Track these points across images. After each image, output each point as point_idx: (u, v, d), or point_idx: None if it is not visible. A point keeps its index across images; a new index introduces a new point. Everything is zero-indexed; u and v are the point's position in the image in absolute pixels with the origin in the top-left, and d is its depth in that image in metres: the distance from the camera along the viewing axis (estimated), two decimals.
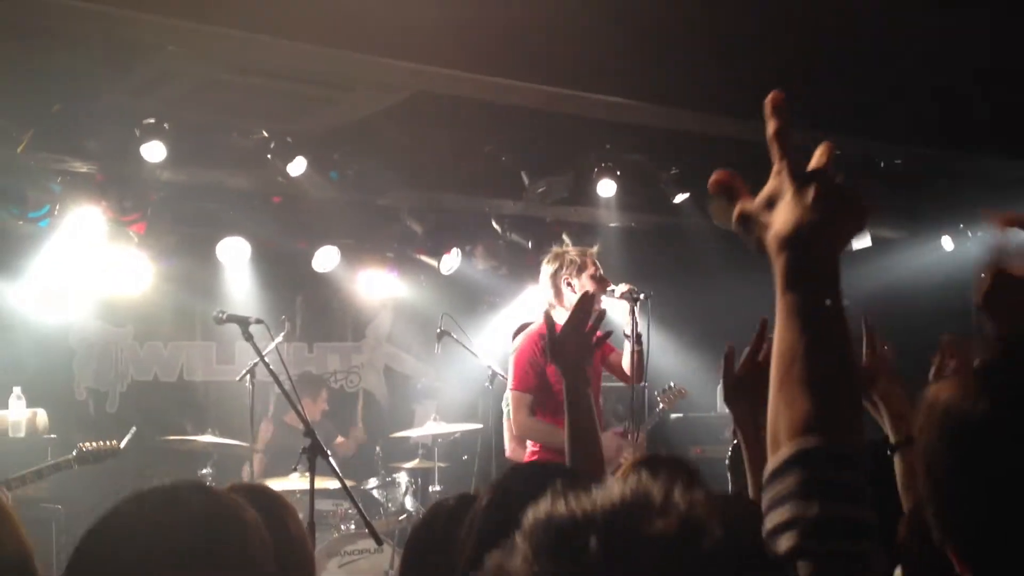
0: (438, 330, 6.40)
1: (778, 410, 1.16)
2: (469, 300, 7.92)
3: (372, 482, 6.81)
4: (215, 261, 6.64)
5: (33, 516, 5.21)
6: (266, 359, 4.89)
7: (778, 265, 1.21)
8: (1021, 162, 6.59)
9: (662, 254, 7.86)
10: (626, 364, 5.17)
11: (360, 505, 4.68)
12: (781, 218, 1.22)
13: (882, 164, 6.81)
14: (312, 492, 4.58)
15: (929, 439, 1.20)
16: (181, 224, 6.50)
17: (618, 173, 6.66)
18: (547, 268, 5.24)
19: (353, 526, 6.27)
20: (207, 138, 5.91)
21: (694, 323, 7.53)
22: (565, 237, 7.51)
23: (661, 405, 6.56)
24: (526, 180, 6.69)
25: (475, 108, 5.63)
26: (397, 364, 8.80)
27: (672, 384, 6.67)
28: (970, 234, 7.79)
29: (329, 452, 4.56)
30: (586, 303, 2.53)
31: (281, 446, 6.47)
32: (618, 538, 0.82)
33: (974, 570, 1.16)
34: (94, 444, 5.28)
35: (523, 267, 7.70)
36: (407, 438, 7.06)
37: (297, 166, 5.98)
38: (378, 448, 7.09)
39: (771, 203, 1.24)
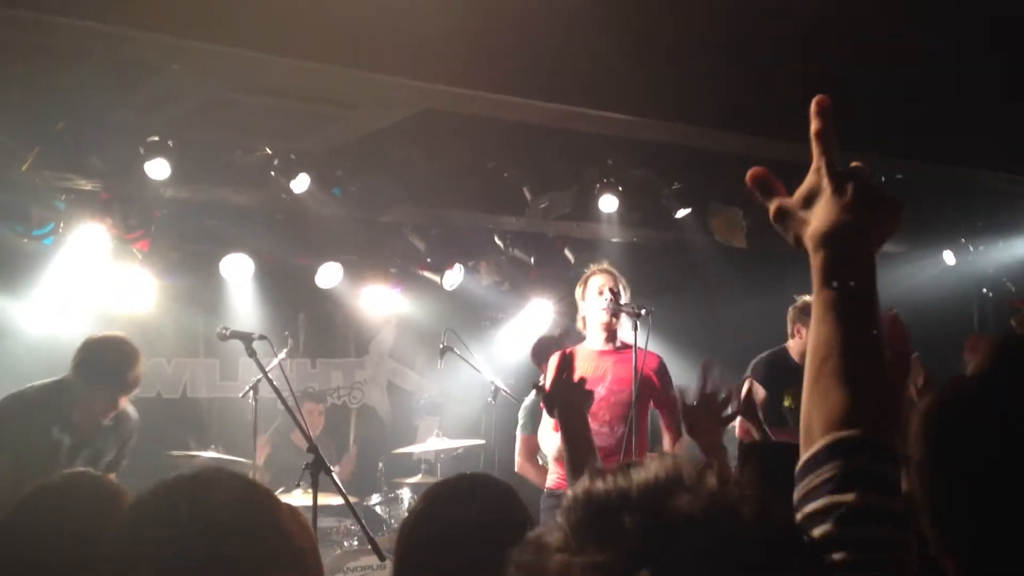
0: (441, 346, 6.41)
1: (812, 404, 1.18)
2: (472, 316, 7.93)
3: (375, 498, 6.81)
4: (219, 278, 6.66)
5: None
6: (269, 375, 4.90)
7: (816, 261, 1.24)
8: (1022, 177, 6.61)
9: (664, 269, 7.87)
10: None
11: (363, 521, 4.68)
12: (820, 215, 1.25)
13: (883, 178, 6.82)
14: (315, 508, 4.58)
15: (921, 447, 1.22)
16: (185, 241, 6.52)
17: (620, 189, 6.69)
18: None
19: (356, 542, 6.26)
20: (211, 156, 5.94)
21: (696, 338, 7.53)
22: (568, 253, 7.57)
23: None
24: (528, 196, 6.71)
25: (478, 125, 5.65)
26: (400, 380, 8.80)
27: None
28: (971, 248, 7.81)
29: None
30: (562, 360, 2.66)
31: (284, 463, 6.47)
32: (651, 515, 0.84)
33: (963, 560, 1.17)
34: None
35: (526, 283, 7.72)
36: (410, 454, 7.06)
37: (300, 183, 6.01)
38: (381, 464, 7.08)
39: (809, 200, 1.27)
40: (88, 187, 5.94)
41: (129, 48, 4.16)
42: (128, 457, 4.94)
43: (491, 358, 7.18)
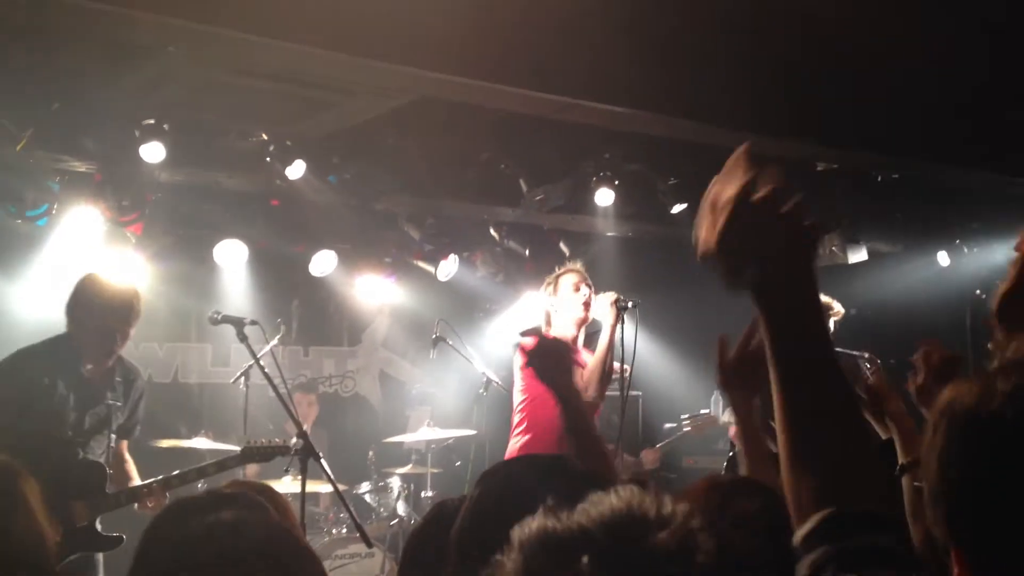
0: (434, 336, 6.41)
1: (796, 479, 1.15)
2: (466, 307, 7.92)
3: (364, 486, 6.81)
4: (212, 263, 6.63)
5: None
6: (261, 362, 4.89)
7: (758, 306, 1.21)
8: (1018, 179, 6.61)
9: (659, 264, 7.86)
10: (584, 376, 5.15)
11: (352, 509, 4.68)
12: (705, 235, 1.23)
13: (879, 178, 6.83)
14: (303, 495, 4.58)
15: (945, 439, 1.19)
16: (178, 225, 6.49)
17: (616, 182, 6.68)
18: (541, 292, 5.34)
19: (345, 530, 6.26)
20: (206, 139, 5.92)
21: (690, 333, 7.53)
22: (563, 245, 7.56)
23: (687, 429, 6.57)
24: (524, 187, 6.70)
25: (475, 115, 5.64)
26: (392, 369, 8.80)
27: (703, 411, 6.67)
28: (966, 249, 7.81)
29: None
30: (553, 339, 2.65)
31: None
32: (611, 553, 0.82)
33: (979, 570, 1.16)
34: (265, 440, 5.10)
35: (520, 274, 7.71)
36: (400, 443, 7.06)
37: (296, 169, 5.99)
38: (371, 453, 7.08)
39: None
40: (82, 169, 5.91)
41: (124, 29, 4.14)
42: (141, 423, 4.94)
43: (484, 350, 7.17)
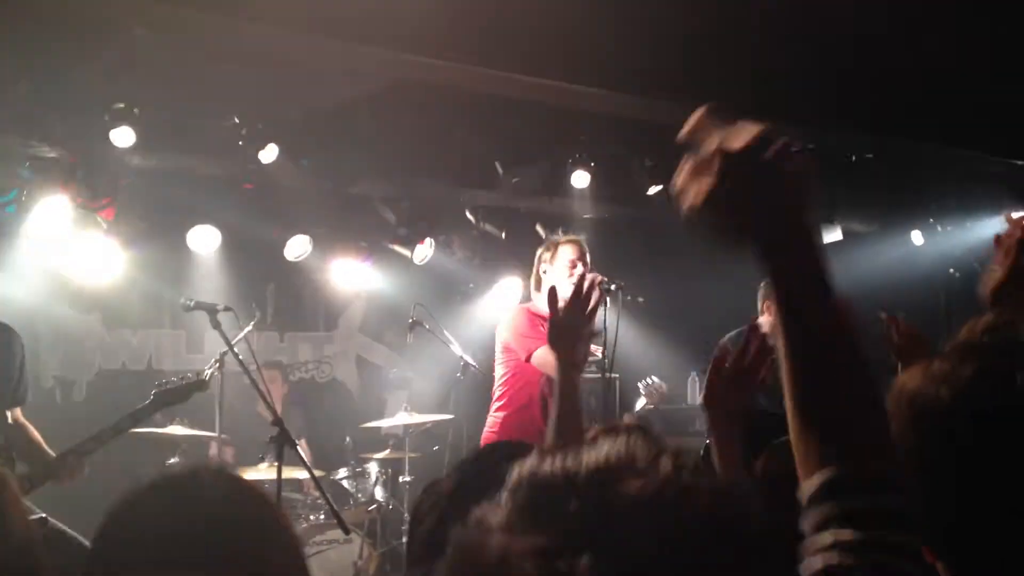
0: (410, 320, 6.38)
1: (804, 435, 1.13)
2: (442, 290, 7.90)
3: (342, 472, 6.79)
4: (186, 249, 6.58)
5: None
6: (235, 348, 4.85)
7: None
8: (993, 157, 6.65)
9: (636, 246, 7.87)
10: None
11: (329, 495, 4.66)
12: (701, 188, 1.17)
13: (853, 157, 6.85)
14: (279, 482, 4.56)
15: (897, 424, 1.19)
16: (151, 211, 6.42)
17: (592, 164, 6.66)
18: (537, 254, 5.24)
19: (323, 516, 6.24)
20: (178, 124, 5.85)
21: (667, 315, 7.55)
22: (539, 228, 7.54)
23: (645, 401, 6.58)
24: (500, 170, 6.68)
25: (450, 97, 5.61)
26: (369, 354, 8.77)
27: (653, 379, 6.69)
28: (940, 229, 7.86)
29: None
30: (583, 288, 2.44)
31: (249, 435, 6.42)
32: (597, 498, 0.81)
33: (937, 552, 1.17)
34: (176, 379, 4.78)
35: (497, 257, 7.69)
36: (378, 428, 7.04)
37: (269, 153, 5.93)
38: (348, 438, 7.06)
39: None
40: (52, 154, 5.83)
41: (92, 9, 4.07)
42: (28, 384, 4.63)
43: (461, 333, 7.15)
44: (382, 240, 7.35)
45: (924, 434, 1.18)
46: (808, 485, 1.12)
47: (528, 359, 4.93)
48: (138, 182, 6.22)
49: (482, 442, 5.09)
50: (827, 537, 1.08)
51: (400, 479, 6.71)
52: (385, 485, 6.74)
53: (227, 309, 4.90)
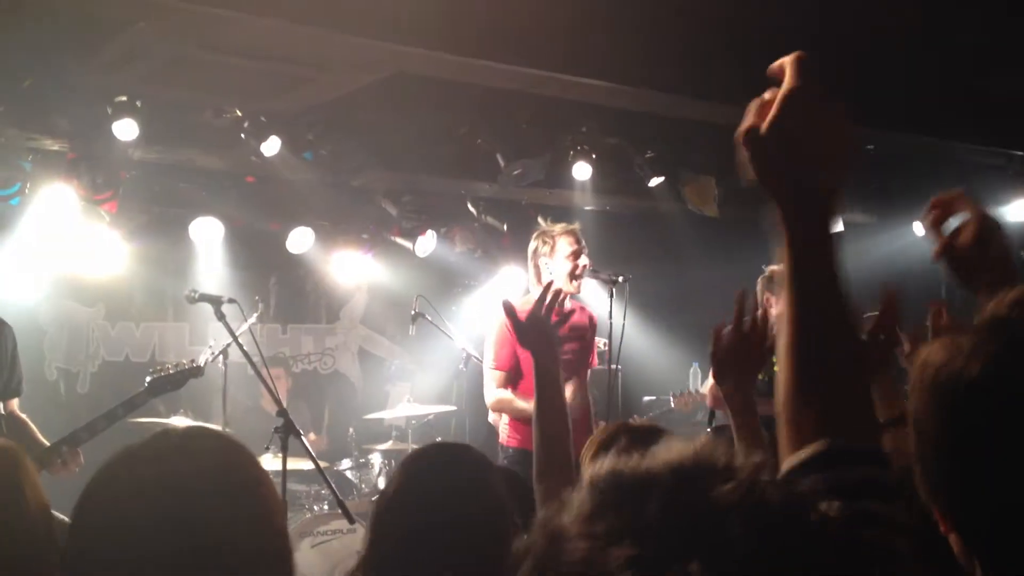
0: (412, 312, 6.40)
1: (797, 408, 1.16)
2: (444, 282, 7.91)
3: (345, 463, 6.81)
4: (188, 241, 6.59)
5: None
6: (239, 340, 4.86)
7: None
8: (993, 148, 6.66)
9: (636, 238, 7.88)
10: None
11: (333, 485, 4.68)
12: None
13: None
14: (284, 472, 4.58)
15: (920, 399, 1.20)
16: (153, 203, 6.44)
17: (594, 156, 6.67)
18: (530, 247, 5.25)
19: (326, 507, 6.26)
20: (180, 116, 5.86)
21: (669, 307, 7.56)
22: (541, 220, 7.55)
23: (672, 406, 6.60)
24: (502, 162, 6.69)
25: (451, 89, 5.61)
26: (371, 346, 8.78)
27: (692, 389, 6.69)
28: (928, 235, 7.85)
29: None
30: (548, 290, 2.55)
31: (254, 427, 6.45)
32: (680, 500, 0.80)
33: (959, 527, 1.17)
34: (171, 367, 4.73)
35: (498, 250, 7.71)
36: (381, 420, 7.06)
37: (271, 146, 5.94)
38: (351, 430, 7.08)
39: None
40: (55, 147, 5.85)
41: (94, 3, 4.08)
42: (21, 375, 4.59)
43: (462, 325, 7.17)
44: (384, 232, 7.37)
45: (950, 408, 1.18)
46: (796, 457, 1.13)
47: (491, 367, 5.07)
48: (141, 175, 6.23)
49: (504, 442, 5.15)
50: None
51: None
52: (388, 476, 6.76)
53: (231, 301, 4.92)
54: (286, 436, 4.43)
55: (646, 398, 7.57)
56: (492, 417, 5.39)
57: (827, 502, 1.07)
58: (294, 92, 5.60)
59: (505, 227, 7.61)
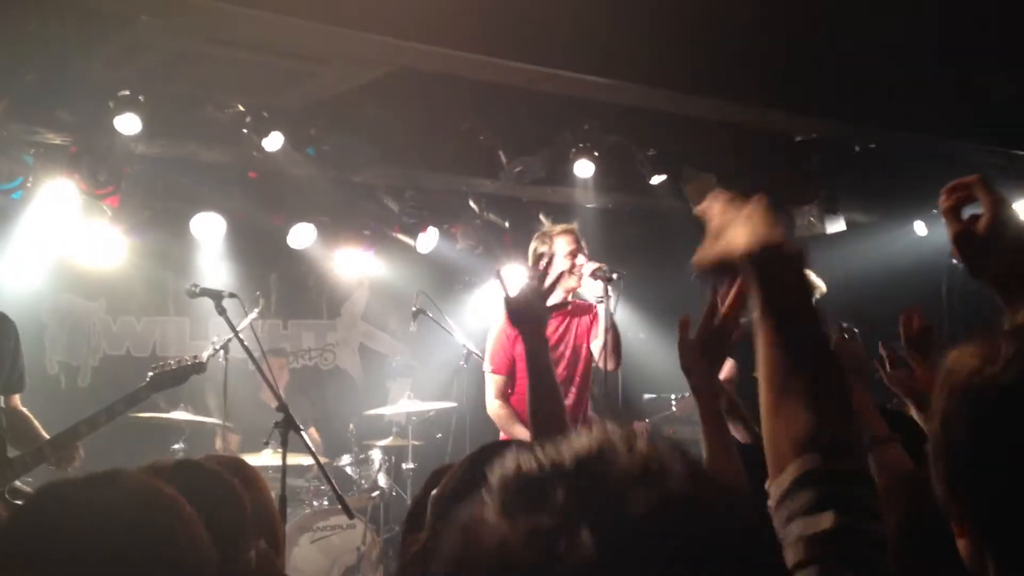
0: (413, 308, 6.40)
1: (776, 428, 1.18)
2: (445, 279, 7.91)
3: (345, 459, 6.82)
4: (190, 236, 6.59)
5: None
6: (240, 335, 4.87)
7: (752, 286, 1.27)
8: (994, 149, 6.65)
9: (639, 235, 7.87)
10: (596, 346, 5.20)
11: (332, 481, 4.69)
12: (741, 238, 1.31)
13: (856, 148, 6.85)
14: (284, 468, 4.58)
15: (949, 405, 1.20)
16: (155, 198, 6.44)
17: (595, 154, 6.66)
18: (530, 249, 5.29)
19: (326, 502, 6.27)
20: (182, 111, 5.86)
21: (669, 305, 7.53)
22: (543, 217, 7.56)
23: (674, 410, 6.61)
24: (503, 159, 6.68)
25: (453, 86, 5.61)
26: (372, 342, 8.79)
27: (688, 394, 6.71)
28: (943, 219, 7.85)
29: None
30: (537, 268, 2.58)
31: (253, 422, 6.45)
32: (584, 485, 0.82)
33: (981, 528, 1.17)
34: (173, 363, 4.69)
35: (500, 246, 7.71)
36: (381, 416, 7.06)
37: (273, 141, 5.94)
38: (352, 425, 7.09)
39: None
40: (57, 141, 5.85)
41: None
42: (23, 370, 4.57)
43: (463, 322, 7.17)
44: (385, 229, 7.37)
45: (982, 412, 1.18)
46: (786, 474, 1.15)
47: (490, 371, 5.10)
48: (143, 169, 6.23)
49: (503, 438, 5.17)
50: (795, 529, 1.10)
51: (403, 466, 6.74)
52: (388, 472, 6.77)
53: (232, 296, 4.92)
54: (286, 431, 4.43)
55: (647, 396, 7.57)
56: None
57: (809, 520, 1.09)
58: (297, 87, 5.60)
59: (507, 224, 7.61)
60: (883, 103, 5.76)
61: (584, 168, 6.67)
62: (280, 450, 4.62)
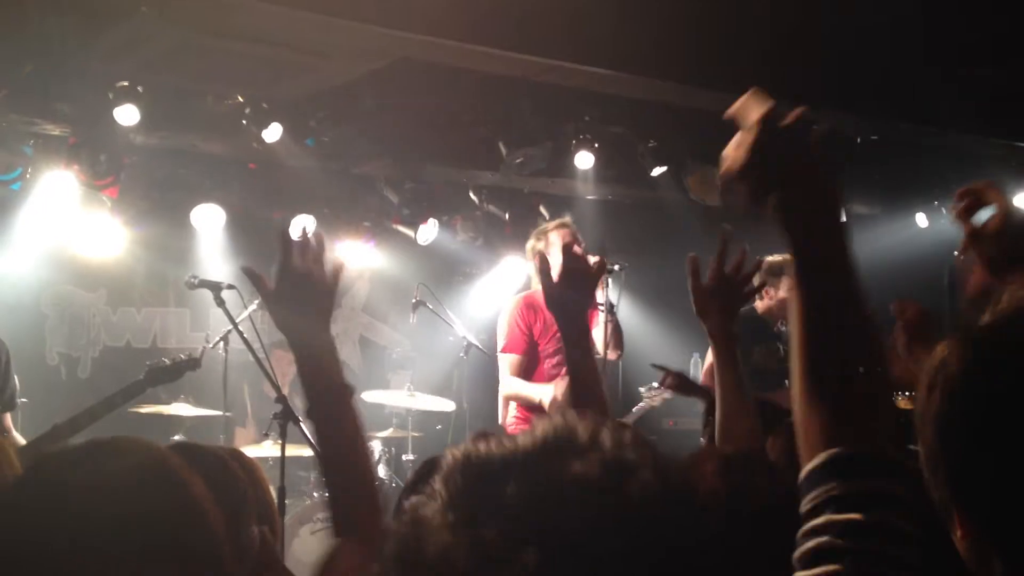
0: (414, 300, 6.40)
1: (808, 416, 1.13)
2: (445, 271, 7.91)
3: None
4: (189, 227, 6.59)
5: None
6: (240, 327, 4.86)
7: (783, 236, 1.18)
8: (995, 140, 6.64)
9: (639, 227, 7.86)
10: (598, 336, 5.19)
11: None
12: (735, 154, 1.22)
13: (857, 139, 6.83)
14: (283, 459, 4.58)
15: (941, 400, 1.16)
16: (155, 189, 6.43)
17: (596, 145, 6.65)
18: (527, 248, 5.31)
19: (327, 493, 6.27)
20: (181, 102, 5.85)
21: (670, 296, 7.52)
22: (543, 209, 7.55)
23: (651, 403, 6.60)
24: (504, 151, 6.67)
25: (454, 77, 5.60)
26: (372, 334, 8.78)
27: (654, 384, 6.68)
28: (944, 211, 7.85)
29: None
30: (570, 251, 2.42)
31: (257, 415, 6.46)
32: (537, 481, 0.76)
33: (993, 536, 1.15)
34: (168, 360, 4.73)
35: (500, 238, 7.70)
36: (381, 407, 7.06)
37: (272, 132, 5.93)
38: None
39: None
40: (56, 132, 5.84)
41: None
42: (15, 388, 4.57)
43: (464, 314, 7.17)
44: (385, 220, 7.36)
45: (979, 408, 1.15)
46: (810, 465, 1.10)
47: (501, 351, 5.09)
48: (142, 160, 6.23)
49: (511, 431, 5.17)
50: (821, 519, 1.06)
51: (403, 458, 6.74)
52: (388, 463, 6.77)
53: (231, 287, 4.91)
54: (285, 422, 4.43)
55: (641, 389, 7.56)
56: (501, 413, 5.42)
57: (835, 513, 1.04)
58: (296, 79, 5.58)
59: (507, 216, 7.60)
60: (884, 94, 5.74)
61: (585, 160, 6.66)
62: (280, 441, 4.62)
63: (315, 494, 6.32)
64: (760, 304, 5.69)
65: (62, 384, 7.14)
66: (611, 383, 5.54)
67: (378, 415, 7.15)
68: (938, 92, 5.74)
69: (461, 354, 6.47)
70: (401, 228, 7.37)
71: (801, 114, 1.22)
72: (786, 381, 1.53)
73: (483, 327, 7.40)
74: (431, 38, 4.55)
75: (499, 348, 5.24)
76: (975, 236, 1.81)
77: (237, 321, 4.84)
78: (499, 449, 0.79)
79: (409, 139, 6.55)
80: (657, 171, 7.01)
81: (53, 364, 7.27)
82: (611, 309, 5.09)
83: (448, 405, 6.86)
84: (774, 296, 5.54)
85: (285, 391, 4.62)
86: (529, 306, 5.21)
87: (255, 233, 7.13)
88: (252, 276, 1.99)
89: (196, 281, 4.85)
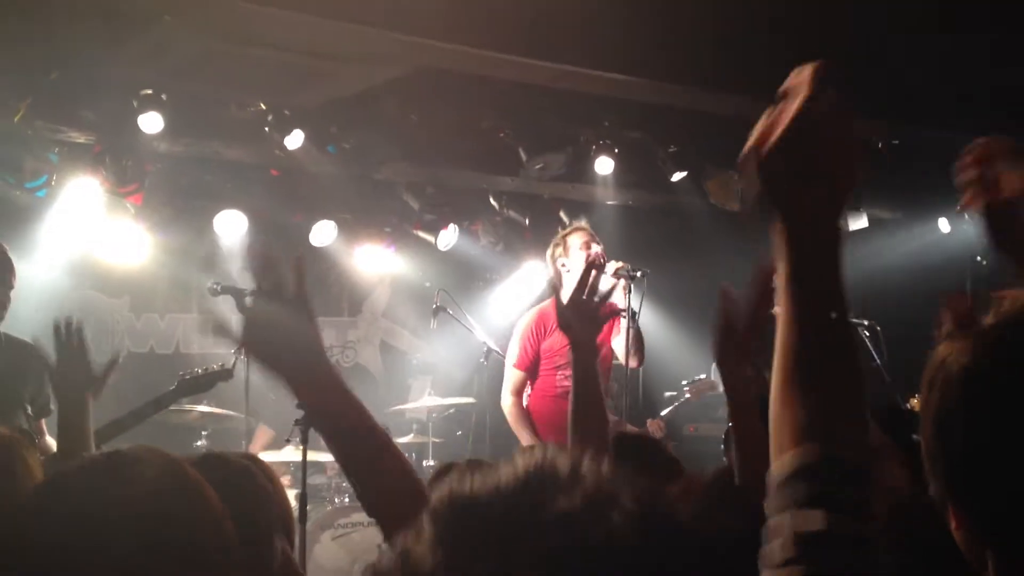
0: (434, 305, 6.41)
1: (781, 413, 1.13)
2: (466, 276, 7.92)
3: None
4: (212, 234, 6.63)
5: None
6: None
7: (775, 240, 1.18)
8: (1020, 144, 6.58)
9: (659, 232, 7.85)
10: (619, 344, 5.19)
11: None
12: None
13: (879, 144, 6.80)
14: (304, 464, 4.60)
15: (941, 397, 1.18)
16: (178, 196, 6.48)
17: (616, 151, 6.66)
18: (547, 255, 5.34)
19: (347, 499, 6.29)
20: (205, 110, 5.90)
21: (691, 302, 7.52)
22: (563, 214, 7.55)
23: (687, 396, 6.61)
24: (524, 156, 6.68)
25: (474, 83, 5.62)
26: (393, 339, 8.81)
27: (700, 376, 6.69)
28: (966, 216, 7.79)
29: None
30: (589, 273, 2.44)
31: (279, 420, 6.48)
32: (520, 518, 0.76)
33: (987, 528, 1.16)
34: (199, 370, 4.69)
35: (520, 244, 7.71)
36: (402, 413, 7.08)
37: (295, 139, 5.97)
38: None
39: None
40: (81, 140, 5.90)
41: None
42: (48, 396, 4.50)
43: (484, 319, 7.17)
44: (406, 226, 7.38)
45: (981, 403, 1.15)
46: (782, 463, 1.11)
47: (509, 364, 5.15)
48: (166, 167, 6.28)
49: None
50: (786, 523, 1.07)
51: (424, 464, 6.75)
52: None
53: (254, 293, 4.93)
54: (307, 428, 4.45)
55: (667, 393, 7.54)
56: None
57: (803, 514, 1.05)
58: (318, 86, 5.62)
59: (527, 221, 7.60)
60: (907, 99, 5.72)
61: (604, 165, 6.66)
62: (301, 447, 4.64)
63: (336, 500, 6.34)
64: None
65: None
66: (632, 390, 5.54)
67: (399, 421, 7.17)
68: (962, 96, 5.71)
69: (481, 359, 6.47)
70: (422, 234, 7.40)
71: (849, 105, 1.20)
72: None
73: (503, 332, 7.39)
74: (452, 45, 4.57)
75: (508, 359, 5.35)
76: (989, 207, 1.79)
77: None
78: (481, 486, 0.79)
79: (430, 145, 6.58)
80: (677, 176, 7.01)
81: None
82: (633, 316, 5.08)
83: (468, 400, 6.88)
84: None
85: None
86: (542, 322, 5.26)
87: (277, 239, 7.18)
88: (220, 331, 1.79)
89: (219, 288, 4.88)
